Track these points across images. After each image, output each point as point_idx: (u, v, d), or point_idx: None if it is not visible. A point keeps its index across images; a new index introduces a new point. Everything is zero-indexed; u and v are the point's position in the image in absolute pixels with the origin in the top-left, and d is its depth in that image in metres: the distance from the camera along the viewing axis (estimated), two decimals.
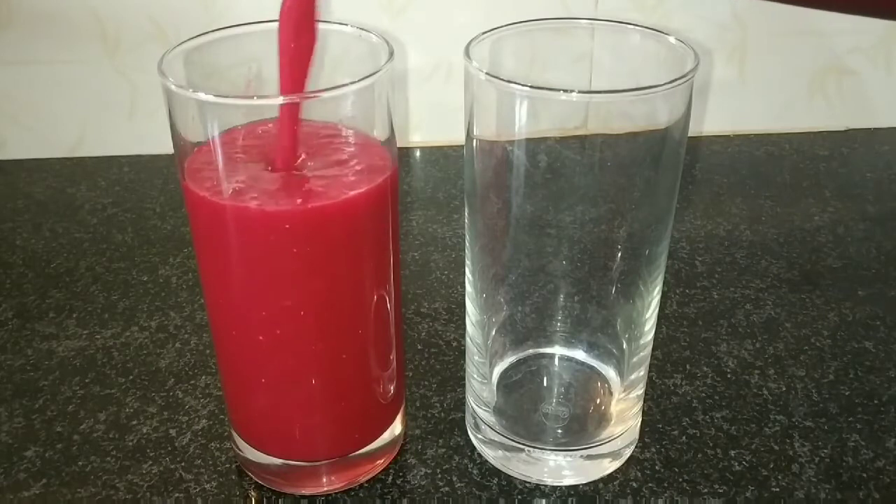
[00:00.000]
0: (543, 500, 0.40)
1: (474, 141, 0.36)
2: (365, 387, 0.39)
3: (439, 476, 0.41)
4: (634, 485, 0.40)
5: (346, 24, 0.37)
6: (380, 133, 0.35)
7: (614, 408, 0.41)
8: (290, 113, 0.33)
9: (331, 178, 0.34)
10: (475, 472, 0.41)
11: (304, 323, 0.35)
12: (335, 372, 0.37)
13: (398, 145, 0.37)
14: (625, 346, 0.41)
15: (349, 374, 0.38)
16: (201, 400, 0.45)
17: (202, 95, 0.31)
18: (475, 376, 0.42)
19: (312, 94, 0.32)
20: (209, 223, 0.34)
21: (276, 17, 0.32)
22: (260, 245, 0.33)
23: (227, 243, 0.34)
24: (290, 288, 0.34)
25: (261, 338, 0.36)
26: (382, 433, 0.41)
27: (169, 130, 0.34)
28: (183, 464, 0.41)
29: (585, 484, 0.40)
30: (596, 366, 0.43)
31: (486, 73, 0.33)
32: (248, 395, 0.39)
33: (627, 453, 0.42)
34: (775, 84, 0.73)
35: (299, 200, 0.33)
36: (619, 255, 0.38)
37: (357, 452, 0.40)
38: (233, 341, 0.37)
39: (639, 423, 0.42)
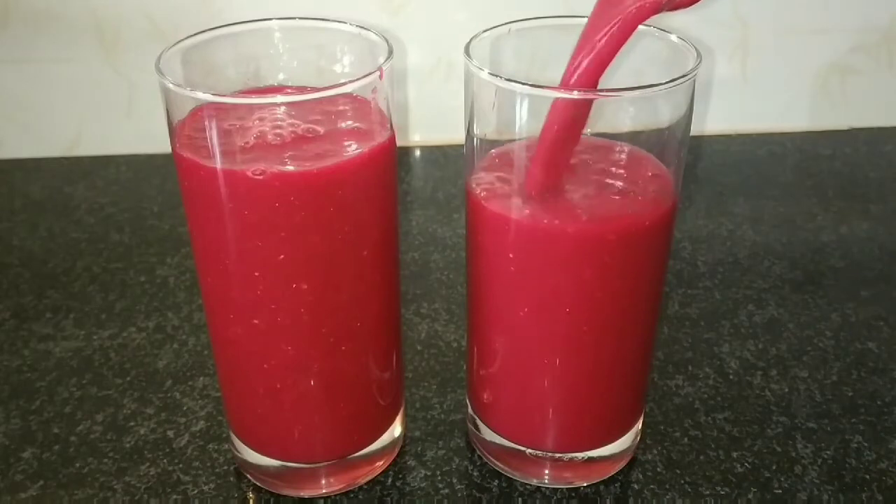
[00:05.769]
0: (544, 503, 0.39)
1: (474, 140, 0.36)
2: (364, 386, 0.39)
3: (439, 478, 0.40)
4: (636, 486, 0.40)
5: (346, 22, 0.36)
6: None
7: None
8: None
9: (332, 141, 0.33)
10: (475, 474, 0.41)
11: (302, 302, 0.34)
12: (334, 366, 0.37)
13: (398, 144, 0.36)
14: None
15: (348, 370, 0.37)
16: (199, 401, 0.45)
17: (200, 94, 0.31)
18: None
19: (316, 93, 0.32)
20: (207, 193, 0.33)
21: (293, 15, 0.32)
22: (261, 212, 0.32)
23: (225, 211, 0.33)
24: (289, 260, 0.33)
25: (256, 321, 0.35)
26: (382, 434, 0.40)
27: (167, 129, 0.34)
28: (181, 465, 0.41)
29: (587, 486, 0.40)
30: None
31: (487, 72, 0.33)
32: (246, 391, 0.38)
33: (629, 455, 0.41)
34: (778, 83, 0.73)
35: (297, 164, 0.32)
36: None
37: (356, 454, 0.40)
38: (230, 328, 0.36)
39: (640, 425, 0.42)
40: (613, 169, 0.35)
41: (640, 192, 0.35)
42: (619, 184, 0.35)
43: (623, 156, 0.36)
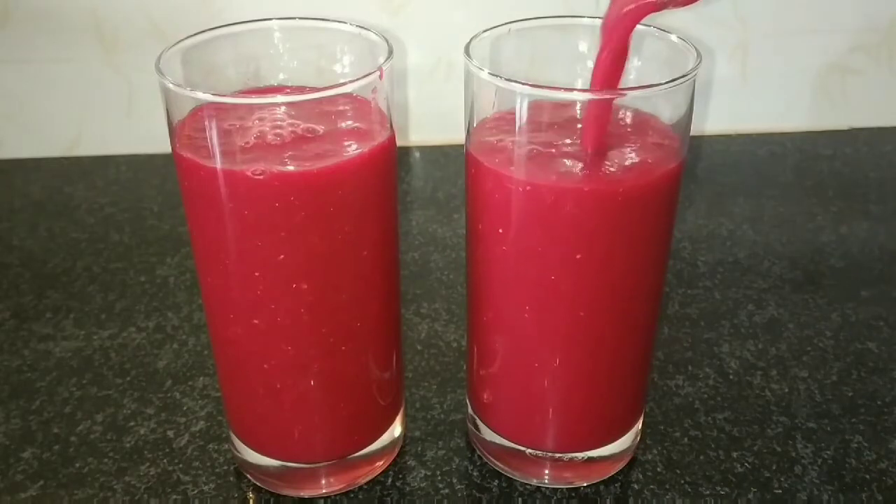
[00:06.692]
0: (544, 503, 0.39)
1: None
2: (364, 386, 0.39)
3: (439, 478, 0.40)
4: (636, 486, 0.40)
5: (346, 22, 0.36)
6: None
7: None
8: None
9: (332, 141, 0.33)
10: (475, 473, 0.41)
11: (302, 302, 0.34)
12: (334, 366, 0.37)
13: (398, 144, 0.36)
14: None
15: (348, 370, 0.37)
16: (199, 401, 0.45)
17: (200, 94, 0.31)
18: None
19: (316, 93, 0.32)
20: (207, 193, 0.33)
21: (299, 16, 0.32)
22: (261, 212, 0.32)
23: (225, 211, 0.33)
24: (289, 260, 0.33)
25: (256, 321, 0.35)
26: (382, 434, 0.40)
27: (167, 129, 0.34)
28: (181, 465, 0.41)
29: (587, 486, 0.40)
30: None
31: (487, 72, 0.33)
32: (246, 391, 0.38)
33: (629, 455, 0.41)
34: (778, 83, 0.73)
35: (297, 164, 0.32)
36: None
37: (356, 454, 0.40)
38: (230, 328, 0.36)
39: (640, 425, 0.42)
40: (620, 132, 0.35)
41: (644, 156, 0.34)
42: (625, 146, 0.35)
43: (628, 119, 0.36)
